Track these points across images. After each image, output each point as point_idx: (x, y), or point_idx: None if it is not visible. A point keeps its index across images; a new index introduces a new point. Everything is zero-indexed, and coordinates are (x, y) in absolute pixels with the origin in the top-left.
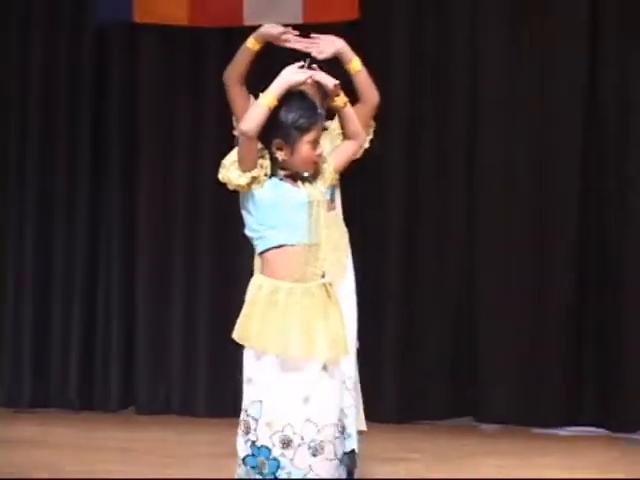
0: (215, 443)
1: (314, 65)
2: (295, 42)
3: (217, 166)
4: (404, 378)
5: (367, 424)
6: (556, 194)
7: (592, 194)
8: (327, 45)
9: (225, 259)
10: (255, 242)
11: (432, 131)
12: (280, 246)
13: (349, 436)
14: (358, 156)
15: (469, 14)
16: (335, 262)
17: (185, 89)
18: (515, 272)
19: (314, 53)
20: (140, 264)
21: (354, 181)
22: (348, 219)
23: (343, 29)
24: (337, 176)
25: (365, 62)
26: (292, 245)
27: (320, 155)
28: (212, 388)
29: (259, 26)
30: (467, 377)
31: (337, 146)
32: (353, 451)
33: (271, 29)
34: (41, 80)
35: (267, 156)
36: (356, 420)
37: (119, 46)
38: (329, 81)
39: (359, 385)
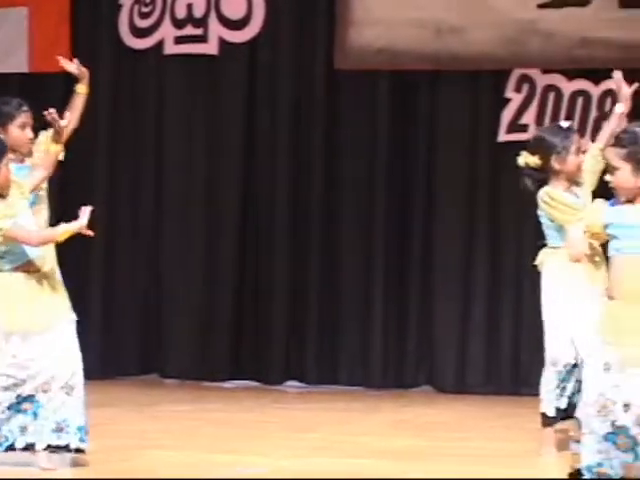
0: None
1: None
2: None
3: None
4: (106, 344)
5: None
6: (224, 192)
7: (250, 187)
8: None
9: None
10: None
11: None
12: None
13: None
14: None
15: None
16: None
17: None
18: (193, 262)
19: None
20: None
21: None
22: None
23: (65, 79)
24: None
25: None
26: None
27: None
28: None
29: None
30: (154, 343)
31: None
32: None
33: None
34: None
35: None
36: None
37: None
38: None
39: None
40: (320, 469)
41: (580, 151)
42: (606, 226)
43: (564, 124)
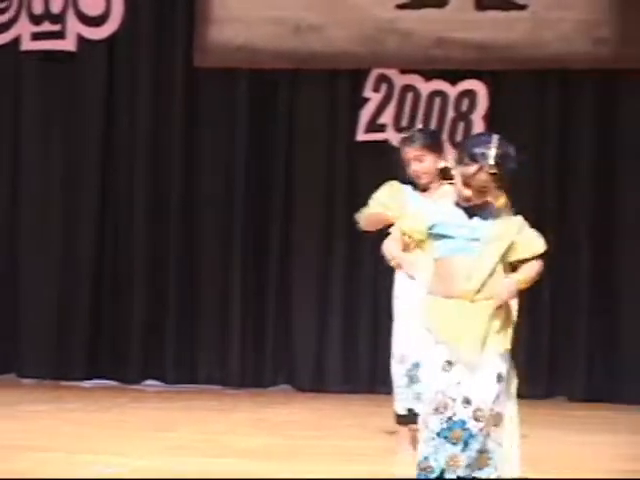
0: None
1: None
2: None
3: None
4: None
5: None
6: (82, 191)
7: (108, 186)
8: None
9: None
10: None
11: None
12: None
13: None
14: None
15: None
16: None
17: None
18: (50, 261)
19: None
20: None
21: None
22: None
23: None
24: None
25: None
26: None
27: None
28: None
29: None
30: (11, 343)
31: None
32: None
33: None
34: None
35: None
36: None
37: None
38: None
39: None
40: (178, 468)
41: (412, 161)
42: (431, 227)
43: (404, 134)
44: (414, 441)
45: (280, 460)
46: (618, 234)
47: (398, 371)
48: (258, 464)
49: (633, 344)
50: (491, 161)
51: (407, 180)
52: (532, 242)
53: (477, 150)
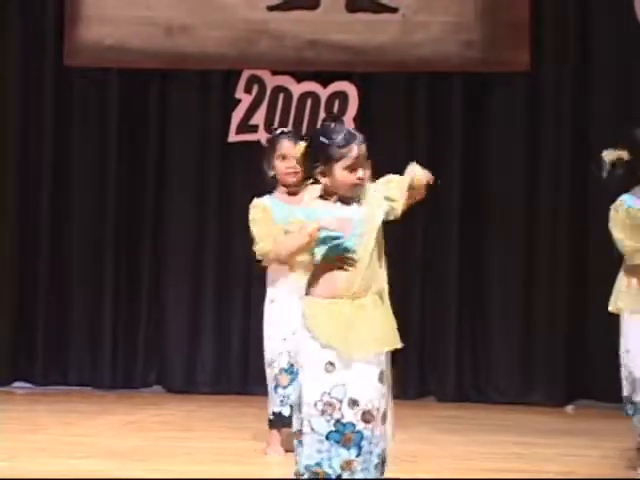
0: None
1: None
2: None
3: None
4: None
5: None
6: None
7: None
8: None
9: None
10: None
11: None
12: None
13: None
14: None
15: None
16: None
17: None
18: None
19: None
20: None
21: None
22: None
23: None
24: None
25: None
26: None
27: None
28: None
29: None
30: None
31: None
32: None
33: None
34: None
35: None
36: None
37: None
38: None
39: None
40: (39, 469)
41: (286, 158)
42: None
43: (277, 131)
44: (285, 443)
45: (150, 461)
46: (488, 233)
47: (268, 374)
48: (126, 464)
49: (501, 347)
50: (357, 135)
51: (268, 186)
52: (399, 184)
53: (341, 136)
